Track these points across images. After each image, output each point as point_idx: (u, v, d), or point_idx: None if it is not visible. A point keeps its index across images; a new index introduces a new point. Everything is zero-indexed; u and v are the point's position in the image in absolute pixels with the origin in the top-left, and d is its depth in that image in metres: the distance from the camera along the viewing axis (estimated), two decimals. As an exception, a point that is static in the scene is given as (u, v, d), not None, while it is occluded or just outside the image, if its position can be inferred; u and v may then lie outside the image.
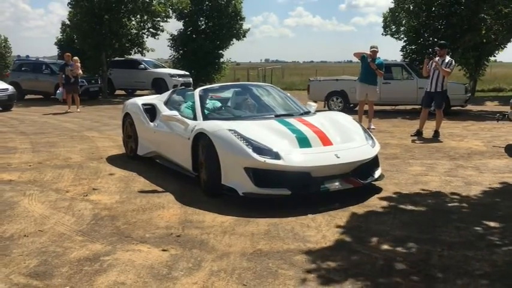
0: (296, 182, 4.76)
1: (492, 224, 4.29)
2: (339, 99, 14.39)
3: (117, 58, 21.45)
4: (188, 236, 4.05)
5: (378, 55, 10.40)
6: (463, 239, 3.94)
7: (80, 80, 15.25)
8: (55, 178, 6.18)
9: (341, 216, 4.53)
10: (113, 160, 7.31)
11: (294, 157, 4.83)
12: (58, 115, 13.71)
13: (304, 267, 3.40)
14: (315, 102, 13.97)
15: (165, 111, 6.53)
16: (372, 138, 5.63)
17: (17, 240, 3.97)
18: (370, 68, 10.22)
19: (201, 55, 24.93)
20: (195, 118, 5.93)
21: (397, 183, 5.79)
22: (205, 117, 5.84)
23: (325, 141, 5.20)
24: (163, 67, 23.32)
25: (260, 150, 4.81)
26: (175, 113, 6.15)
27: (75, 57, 14.98)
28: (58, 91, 15.36)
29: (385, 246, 3.78)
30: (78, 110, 14.48)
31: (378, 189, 5.46)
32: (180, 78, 21.18)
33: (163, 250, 3.74)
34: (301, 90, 22.21)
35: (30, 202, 5.11)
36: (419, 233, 4.09)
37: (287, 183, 4.72)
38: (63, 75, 14.55)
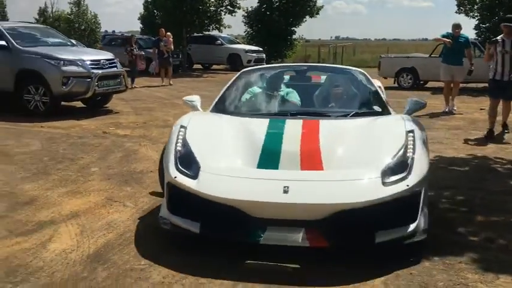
0: (212, 219, 3.21)
1: (534, 180, 5.02)
2: (409, 76, 14.80)
3: (195, 34, 22.89)
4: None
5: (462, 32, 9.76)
6: (505, 188, 4.74)
7: (171, 54, 16.11)
8: (160, 134, 7.48)
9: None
10: (204, 123, 8.53)
11: (217, 180, 3.28)
12: (152, 87, 14.78)
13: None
14: (385, 78, 14.02)
15: None
16: (402, 170, 3.25)
17: (146, 174, 5.25)
18: (454, 48, 9.58)
19: (274, 31, 25.79)
20: None
21: (455, 148, 6.54)
22: (215, 108, 4.65)
23: (310, 163, 3.47)
24: (238, 43, 24.56)
25: (188, 161, 3.46)
26: (195, 98, 4.98)
27: (168, 33, 15.91)
28: (151, 64, 16.52)
29: (432, 192, 4.44)
30: (171, 82, 15.38)
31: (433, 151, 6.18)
32: (254, 54, 22.37)
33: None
34: (371, 68, 22.59)
35: (146, 150, 6.41)
36: (467, 183, 4.90)
37: (201, 217, 3.24)
38: (157, 50, 15.56)
